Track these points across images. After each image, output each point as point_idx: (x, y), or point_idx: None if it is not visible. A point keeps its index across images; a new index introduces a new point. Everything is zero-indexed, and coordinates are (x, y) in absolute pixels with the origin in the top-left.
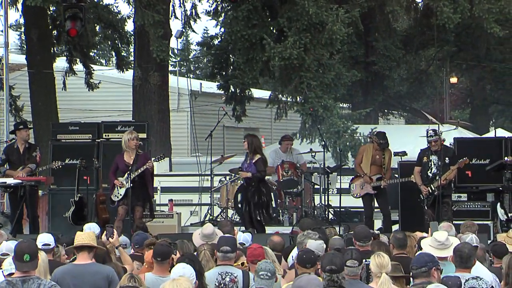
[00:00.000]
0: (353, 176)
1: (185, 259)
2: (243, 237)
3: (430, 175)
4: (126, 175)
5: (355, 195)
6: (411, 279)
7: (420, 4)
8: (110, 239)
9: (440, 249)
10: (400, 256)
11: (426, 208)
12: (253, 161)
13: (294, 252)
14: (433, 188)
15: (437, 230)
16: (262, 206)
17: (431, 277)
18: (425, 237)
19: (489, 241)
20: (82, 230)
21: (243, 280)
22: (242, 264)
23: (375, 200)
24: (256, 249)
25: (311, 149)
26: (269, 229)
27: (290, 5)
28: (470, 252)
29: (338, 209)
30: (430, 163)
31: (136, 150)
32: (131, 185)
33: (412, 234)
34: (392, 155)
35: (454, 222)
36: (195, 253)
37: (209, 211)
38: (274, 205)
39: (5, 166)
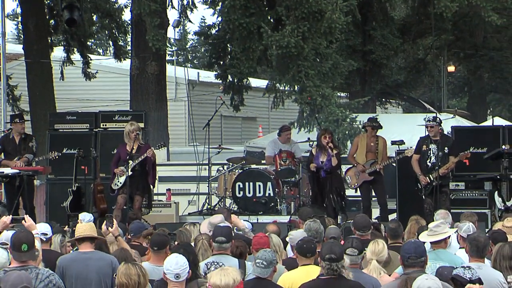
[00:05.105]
0: (346, 168)
1: (180, 249)
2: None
3: (429, 164)
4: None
5: (353, 186)
6: (401, 267)
7: None
8: (109, 228)
9: (431, 235)
10: (395, 245)
11: (424, 197)
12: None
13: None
14: (432, 178)
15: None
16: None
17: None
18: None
19: (486, 230)
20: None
21: (239, 268)
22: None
23: (372, 190)
24: (261, 237)
25: (308, 138)
26: (267, 218)
27: None
28: (486, 241)
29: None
30: (429, 152)
31: (139, 141)
32: (131, 173)
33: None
34: (387, 143)
35: (452, 211)
36: (193, 243)
37: (207, 201)
38: (272, 194)
39: (1, 156)
